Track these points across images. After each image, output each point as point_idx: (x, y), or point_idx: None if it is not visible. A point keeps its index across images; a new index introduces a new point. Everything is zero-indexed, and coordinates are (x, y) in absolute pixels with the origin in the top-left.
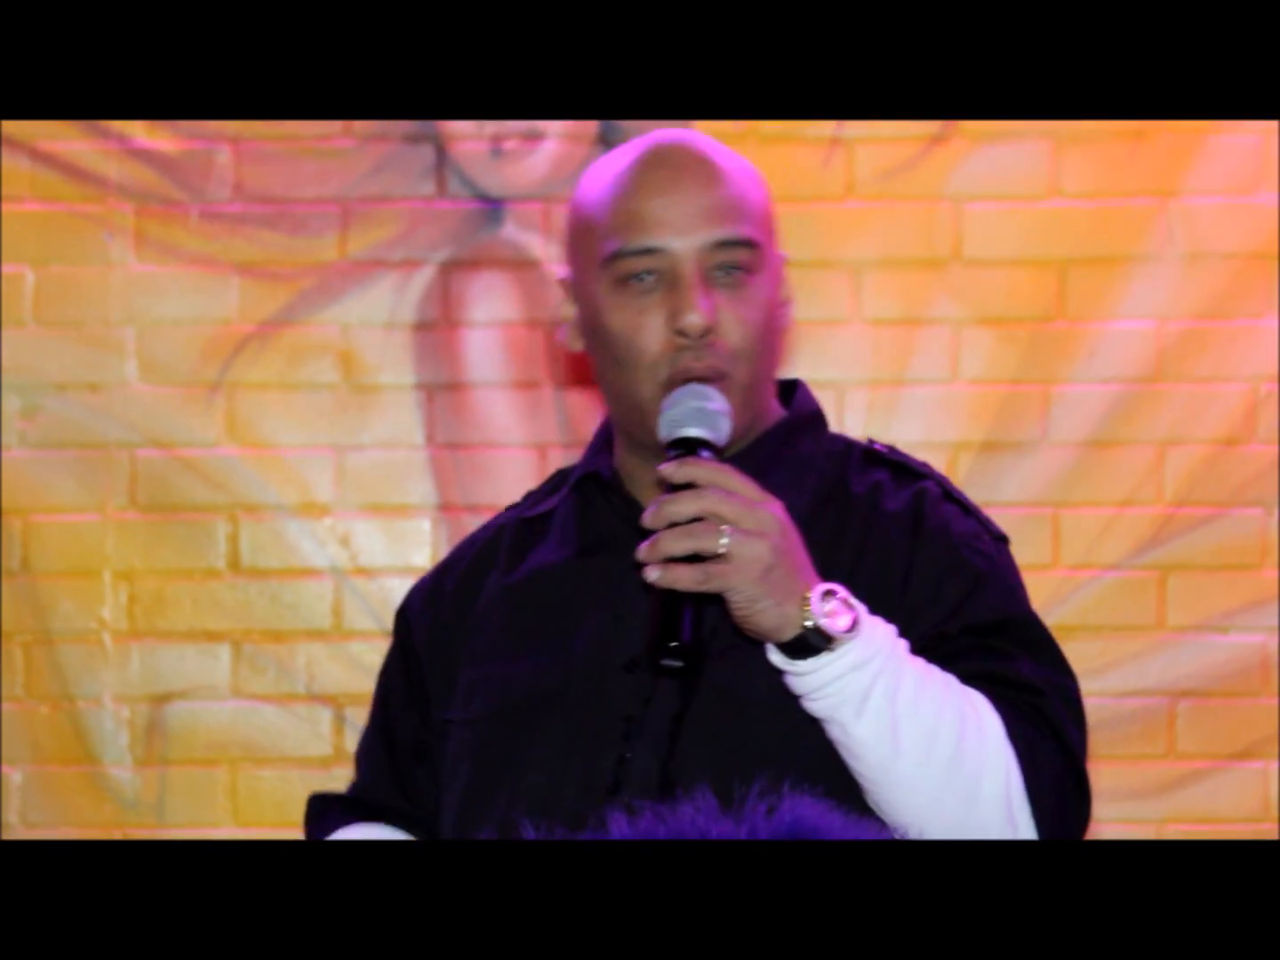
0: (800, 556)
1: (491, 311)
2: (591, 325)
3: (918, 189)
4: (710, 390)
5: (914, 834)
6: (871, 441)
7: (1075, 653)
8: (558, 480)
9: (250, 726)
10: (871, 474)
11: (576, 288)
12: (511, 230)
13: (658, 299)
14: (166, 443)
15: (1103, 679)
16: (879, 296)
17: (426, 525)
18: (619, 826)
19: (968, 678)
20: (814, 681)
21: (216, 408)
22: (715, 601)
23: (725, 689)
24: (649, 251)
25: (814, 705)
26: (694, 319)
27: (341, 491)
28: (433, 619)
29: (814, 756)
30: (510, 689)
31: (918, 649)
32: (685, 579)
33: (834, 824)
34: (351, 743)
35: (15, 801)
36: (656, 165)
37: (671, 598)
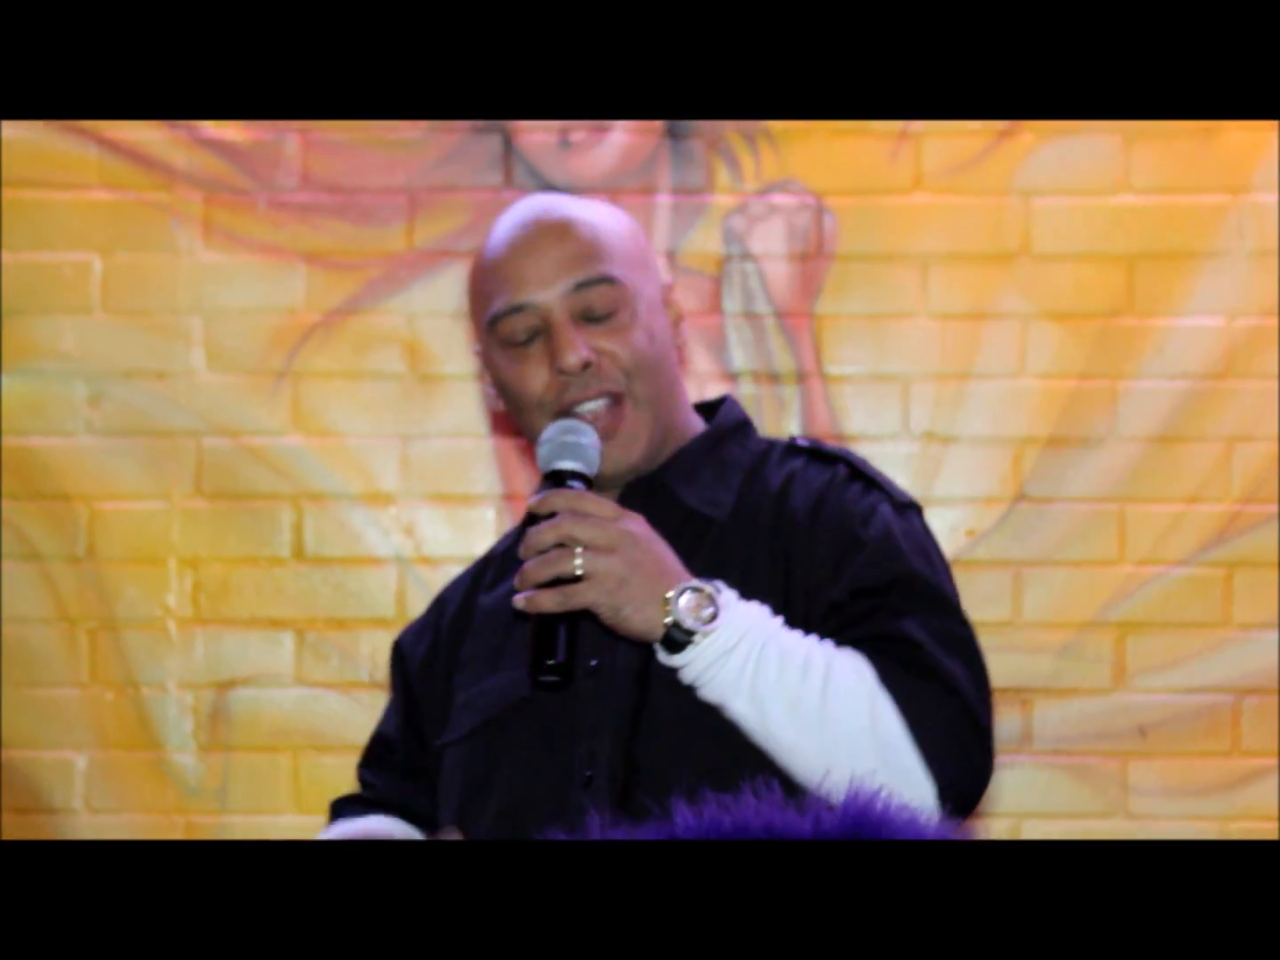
0: (660, 562)
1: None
2: (496, 384)
3: (986, 183)
4: (580, 425)
5: (818, 791)
6: (794, 437)
7: (1140, 649)
8: (521, 523)
9: (313, 714)
10: (787, 465)
11: (483, 355)
12: None
13: (539, 349)
14: (232, 431)
15: (1168, 675)
16: (946, 290)
17: (490, 514)
18: (684, 818)
19: (855, 642)
20: (692, 672)
21: (282, 396)
22: (587, 616)
23: (673, 682)
24: (519, 309)
25: (704, 693)
26: (571, 358)
27: (406, 480)
28: (427, 652)
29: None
30: (488, 704)
31: (817, 624)
32: (548, 602)
33: (895, 814)
34: None
35: (80, 786)
36: (518, 233)
37: (544, 620)
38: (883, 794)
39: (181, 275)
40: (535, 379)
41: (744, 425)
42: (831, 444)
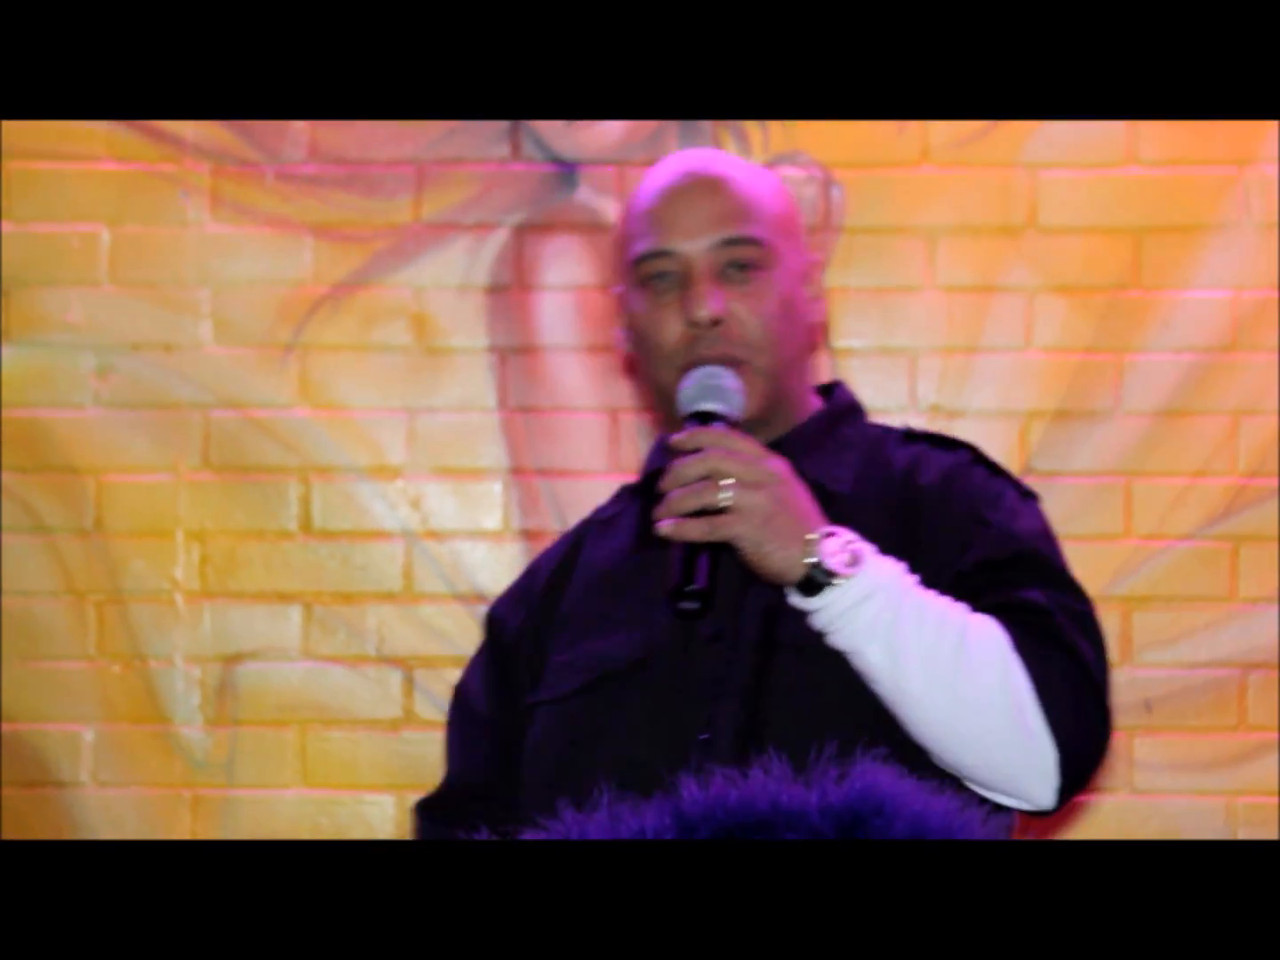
0: (802, 504)
1: (565, 275)
2: (630, 326)
3: (993, 156)
4: (721, 370)
5: (939, 750)
6: (909, 427)
7: (1146, 623)
8: (623, 491)
9: (320, 688)
10: (911, 448)
11: (620, 296)
12: (585, 194)
13: (674, 297)
14: (240, 403)
15: (1174, 649)
16: (953, 263)
17: (498, 488)
18: (690, 792)
19: (982, 609)
20: (827, 616)
21: (290, 369)
22: (727, 549)
23: (801, 648)
24: (663, 254)
25: (834, 639)
26: (702, 312)
27: (413, 454)
28: (525, 618)
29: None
30: (597, 665)
31: (941, 592)
32: (694, 531)
33: (905, 790)
34: (421, 705)
35: (87, 760)
36: (675, 182)
37: (687, 549)
38: (891, 770)
39: (189, 247)
40: (669, 328)
41: (857, 408)
42: (946, 433)
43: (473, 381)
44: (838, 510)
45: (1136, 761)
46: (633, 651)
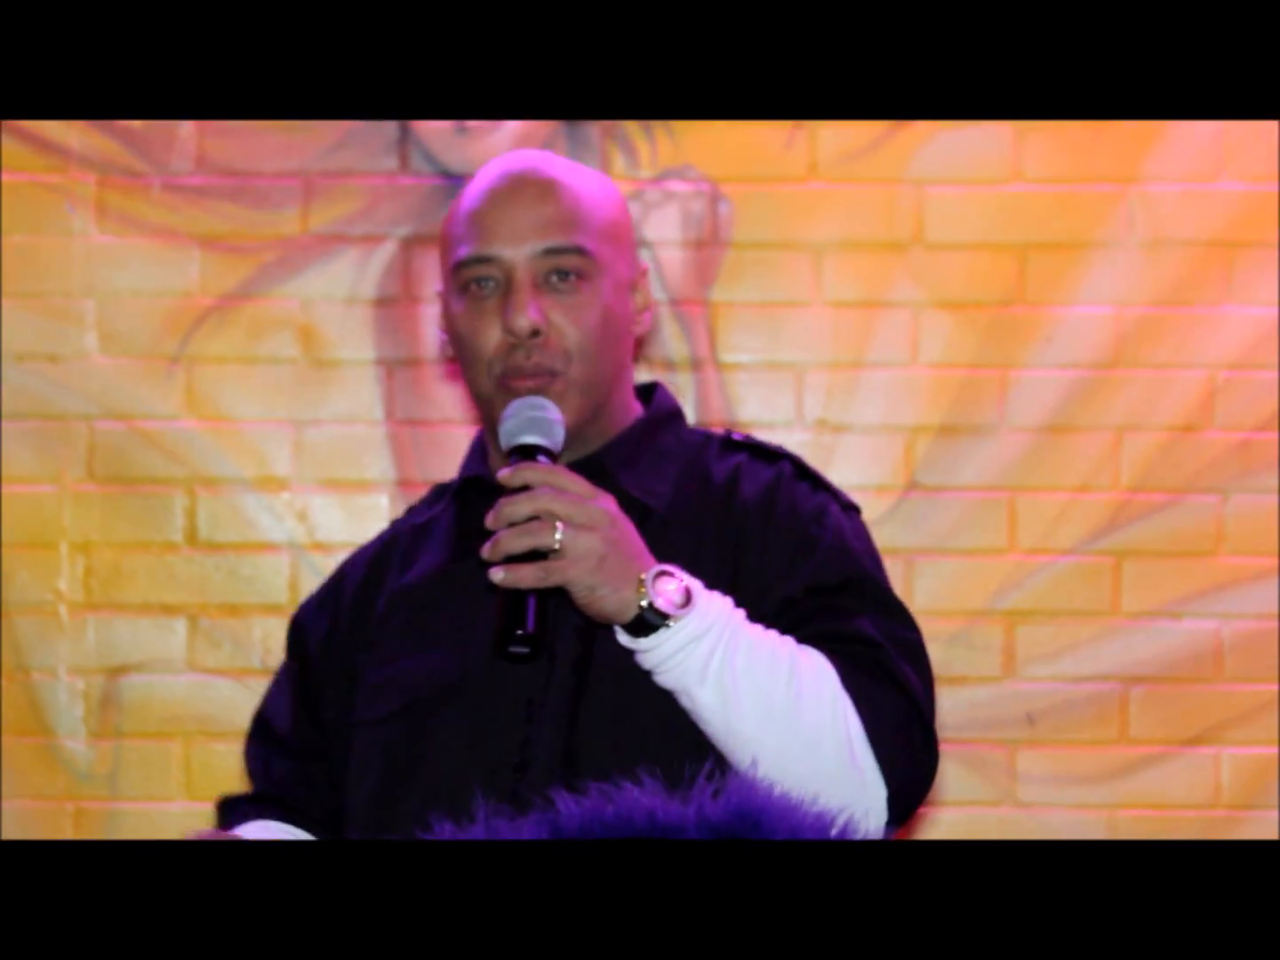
0: (633, 544)
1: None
2: (449, 331)
3: (880, 171)
4: (544, 401)
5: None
6: (729, 431)
7: (1029, 637)
8: (439, 492)
9: (205, 700)
10: (730, 459)
11: (442, 298)
12: None
13: (494, 304)
14: (125, 415)
15: (1057, 664)
16: (839, 278)
17: (384, 500)
18: (567, 806)
19: (810, 639)
20: (657, 656)
21: (176, 380)
22: (557, 592)
23: (618, 668)
24: (484, 259)
25: (662, 678)
26: (520, 321)
27: (300, 466)
28: (329, 626)
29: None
30: (412, 685)
31: (768, 619)
32: (528, 577)
33: (780, 804)
34: None
35: None
36: (501, 185)
37: (515, 592)
38: (766, 784)
39: (75, 258)
40: (487, 336)
41: (677, 414)
42: (767, 440)
43: (360, 394)
44: (657, 528)
45: (1019, 774)
46: (447, 673)
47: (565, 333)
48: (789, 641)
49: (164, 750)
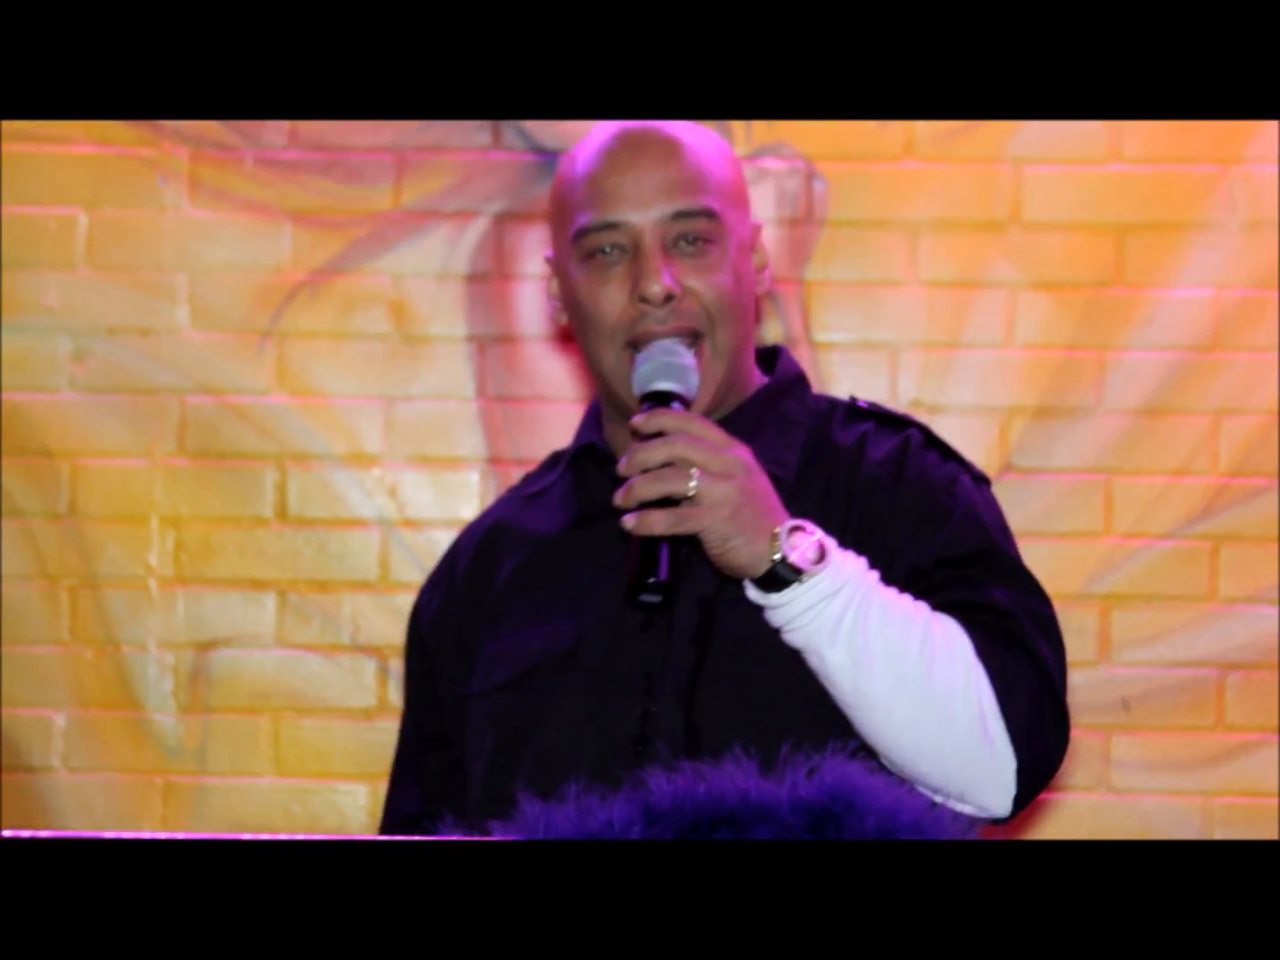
0: (767, 496)
1: (544, 265)
2: (568, 299)
3: (976, 151)
4: (679, 347)
5: (895, 756)
6: (854, 398)
7: (1125, 622)
8: (552, 461)
9: (294, 676)
10: (857, 427)
11: (556, 264)
12: None
13: (622, 270)
14: (216, 389)
15: (1152, 649)
16: (935, 258)
17: (475, 478)
18: (658, 784)
19: (941, 608)
20: (787, 613)
21: (267, 355)
22: (689, 541)
23: (738, 638)
24: (611, 226)
25: (791, 636)
26: (655, 287)
27: (390, 442)
28: (442, 603)
29: (825, 695)
30: (527, 656)
31: (898, 587)
32: (660, 523)
33: (875, 786)
34: (395, 694)
35: (59, 745)
36: (620, 146)
37: (648, 540)
38: (863, 765)
39: (167, 232)
40: (612, 303)
41: (802, 379)
42: (894, 408)
43: (451, 370)
44: (785, 497)
45: (1113, 760)
46: (561, 642)
47: (702, 294)
48: (923, 606)
49: (252, 725)
